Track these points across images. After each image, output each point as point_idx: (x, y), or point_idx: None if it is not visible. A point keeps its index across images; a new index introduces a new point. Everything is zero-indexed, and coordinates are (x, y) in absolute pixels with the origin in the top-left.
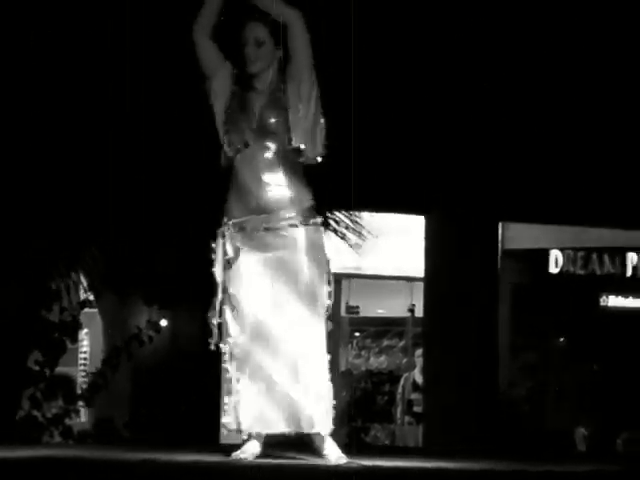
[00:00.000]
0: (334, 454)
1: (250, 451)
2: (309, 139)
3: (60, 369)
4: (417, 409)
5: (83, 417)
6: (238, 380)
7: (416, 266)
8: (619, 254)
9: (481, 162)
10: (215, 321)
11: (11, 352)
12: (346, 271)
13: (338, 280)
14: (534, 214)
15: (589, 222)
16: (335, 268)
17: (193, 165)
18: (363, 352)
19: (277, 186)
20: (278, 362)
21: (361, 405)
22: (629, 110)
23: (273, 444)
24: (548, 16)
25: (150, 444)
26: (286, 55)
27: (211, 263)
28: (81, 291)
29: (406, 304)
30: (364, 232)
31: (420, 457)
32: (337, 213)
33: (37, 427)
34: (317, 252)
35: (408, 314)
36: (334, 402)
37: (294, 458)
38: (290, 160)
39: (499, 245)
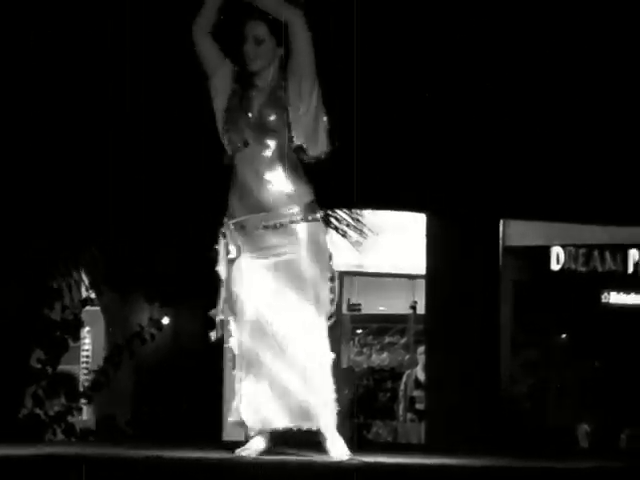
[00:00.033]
0: (337, 450)
1: (254, 448)
2: (310, 137)
3: (62, 367)
4: (419, 406)
5: (85, 415)
6: (240, 378)
7: (417, 263)
8: (620, 251)
9: (482, 159)
10: (218, 318)
11: (13, 350)
12: (348, 269)
13: (339, 278)
14: (535, 211)
15: (590, 219)
16: (337, 266)
17: (193, 164)
18: (365, 349)
19: (277, 184)
20: (279, 359)
21: (363, 402)
22: (630, 108)
23: (280, 441)
24: (548, 13)
25: (152, 441)
26: (287, 53)
27: (213, 261)
28: (83, 289)
29: (408, 301)
30: (365, 230)
31: (422, 454)
32: (338, 211)
33: (39, 425)
34: (318, 247)
35: (410, 311)
36: (336, 398)
37: (297, 455)
38: (290, 157)
39: (500, 242)
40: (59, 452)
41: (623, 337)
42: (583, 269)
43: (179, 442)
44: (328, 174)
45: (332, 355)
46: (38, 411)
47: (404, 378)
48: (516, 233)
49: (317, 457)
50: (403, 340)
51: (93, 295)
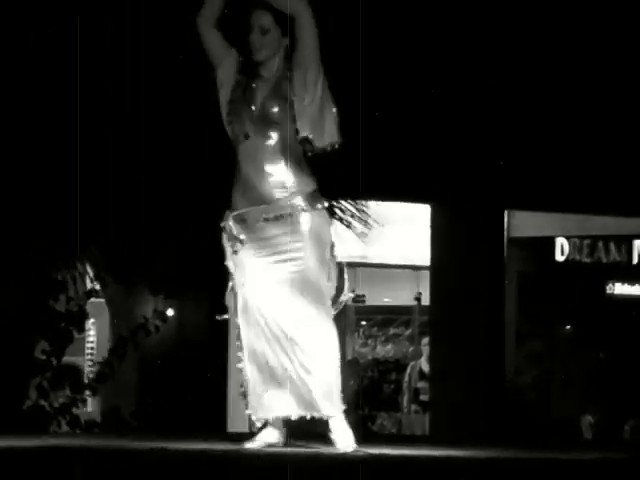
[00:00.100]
0: (342, 441)
1: (263, 439)
2: (316, 128)
3: (67, 359)
4: (424, 397)
5: (90, 407)
6: (245, 369)
7: (422, 254)
8: (625, 242)
9: (487, 151)
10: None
11: (18, 342)
12: (352, 260)
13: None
14: (540, 202)
15: (595, 210)
16: (341, 257)
17: (195, 157)
18: (369, 341)
19: (279, 175)
20: (282, 350)
21: (368, 394)
22: (633, 99)
23: (293, 433)
24: (552, 9)
25: (157, 433)
26: (293, 43)
27: (217, 254)
28: (87, 281)
29: (412, 292)
30: (370, 221)
31: (427, 445)
32: (343, 202)
33: (44, 416)
34: (320, 238)
35: (414, 302)
36: (342, 388)
37: (304, 447)
38: (293, 149)
39: (505, 233)
40: (64, 444)
41: (628, 328)
42: (588, 260)
43: (184, 434)
44: (333, 165)
45: (337, 343)
46: (43, 403)
47: (408, 369)
48: (521, 224)
49: (323, 449)
50: (408, 331)
51: (98, 287)
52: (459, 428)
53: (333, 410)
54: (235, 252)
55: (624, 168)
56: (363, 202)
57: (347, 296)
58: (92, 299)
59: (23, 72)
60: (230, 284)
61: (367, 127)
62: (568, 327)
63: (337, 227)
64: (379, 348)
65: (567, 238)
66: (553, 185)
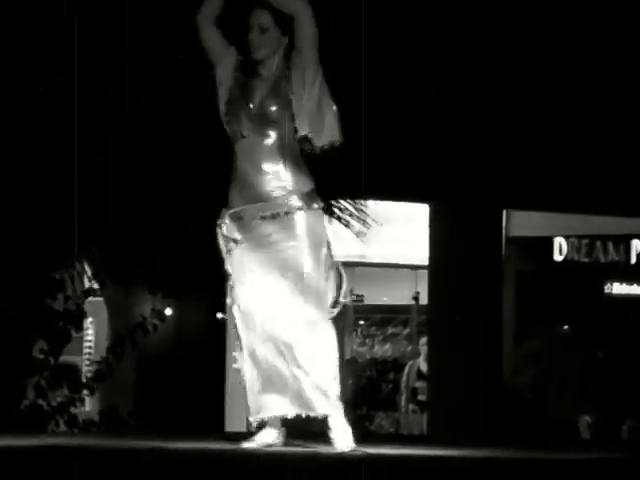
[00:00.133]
0: (341, 440)
1: (262, 440)
2: (315, 127)
3: (65, 358)
4: (422, 397)
5: (88, 406)
6: (243, 369)
7: (420, 254)
8: (623, 241)
9: (485, 150)
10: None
11: (16, 341)
12: (350, 259)
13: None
14: (538, 202)
15: (593, 209)
16: (339, 256)
17: (194, 156)
18: (368, 340)
19: (276, 174)
20: (278, 349)
21: (366, 393)
22: (633, 98)
23: (291, 433)
24: (551, 9)
25: (155, 432)
26: (292, 42)
27: (215, 253)
28: (85, 280)
29: (410, 292)
30: (368, 220)
31: (424, 445)
32: (342, 201)
33: (42, 416)
34: (316, 237)
35: (412, 302)
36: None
37: (302, 446)
38: (290, 148)
39: (503, 233)
40: (62, 443)
41: (626, 328)
42: (586, 260)
43: (182, 433)
44: (332, 164)
45: (335, 343)
46: (41, 402)
47: (406, 369)
48: (519, 224)
49: (321, 448)
50: (406, 331)
51: (96, 286)
52: (457, 428)
53: (330, 409)
54: (229, 252)
55: (622, 168)
56: (362, 201)
57: (347, 299)
58: (90, 298)
59: (22, 72)
60: (229, 283)
61: (366, 127)
62: (566, 327)
63: (336, 226)
64: (377, 347)
65: (565, 238)
66: (551, 185)
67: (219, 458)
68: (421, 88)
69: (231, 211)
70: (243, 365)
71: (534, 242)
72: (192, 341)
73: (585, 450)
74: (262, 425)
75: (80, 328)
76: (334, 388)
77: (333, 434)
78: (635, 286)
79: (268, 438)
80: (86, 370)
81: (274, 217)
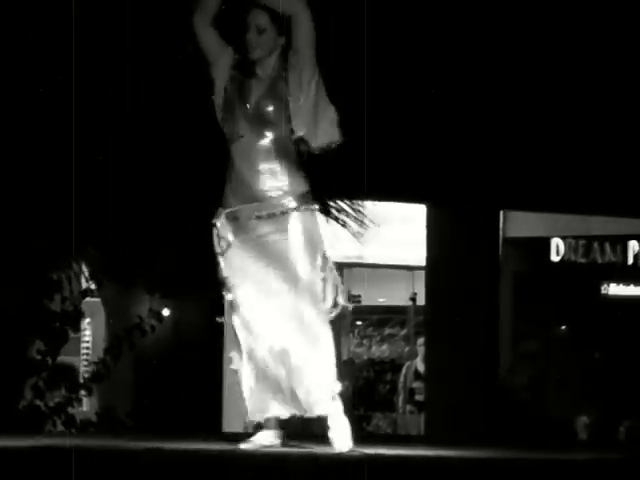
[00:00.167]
0: (339, 440)
1: (260, 441)
2: (311, 128)
3: (63, 358)
4: (419, 398)
5: (86, 406)
6: (241, 371)
7: (418, 255)
8: (620, 242)
9: (482, 151)
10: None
11: (13, 341)
12: (348, 260)
13: (340, 269)
14: (535, 202)
15: (590, 210)
16: (337, 257)
17: (195, 152)
18: (365, 341)
19: (271, 175)
20: (277, 350)
21: (363, 394)
22: (630, 99)
23: (289, 434)
24: (550, 9)
25: (153, 433)
26: (289, 43)
27: (213, 254)
28: (83, 281)
29: (407, 293)
30: (366, 221)
31: (422, 445)
32: (339, 201)
33: (39, 416)
34: (311, 238)
35: (410, 303)
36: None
37: (300, 447)
38: (286, 149)
39: (500, 233)
40: (59, 444)
41: (623, 329)
42: (583, 260)
43: (179, 434)
44: (329, 165)
45: (332, 342)
46: (38, 402)
47: (404, 370)
48: (516, 224)
49: (318, 449)
50: (403, 331)
51: (93, 286)
52: (454, 428)
53: (327, 409)
54: (223, 253)
55: (619, 169)
56: (359, 202)
57: (345, 301)
58: (88, 299)
59: (22, 72)
60: (225, 285)
61: (364, 127)
62: (563, 327)
63: (333, 227)
64: (374, 348)
65: (562, 238)
66: (549, 186)
67: (217, 459)
68: (419, 89)
69: (227, 211)
70: (241, 366)
71: (531, 243)
72: (190, 342)
73: (582, 450)
74: (260, 426)
75: (77, 329)
76: (332, 388)
77: (332, 434)
78: (632, 287)
79: (266, 439)
80: (83, 371)
81: (270, 217)
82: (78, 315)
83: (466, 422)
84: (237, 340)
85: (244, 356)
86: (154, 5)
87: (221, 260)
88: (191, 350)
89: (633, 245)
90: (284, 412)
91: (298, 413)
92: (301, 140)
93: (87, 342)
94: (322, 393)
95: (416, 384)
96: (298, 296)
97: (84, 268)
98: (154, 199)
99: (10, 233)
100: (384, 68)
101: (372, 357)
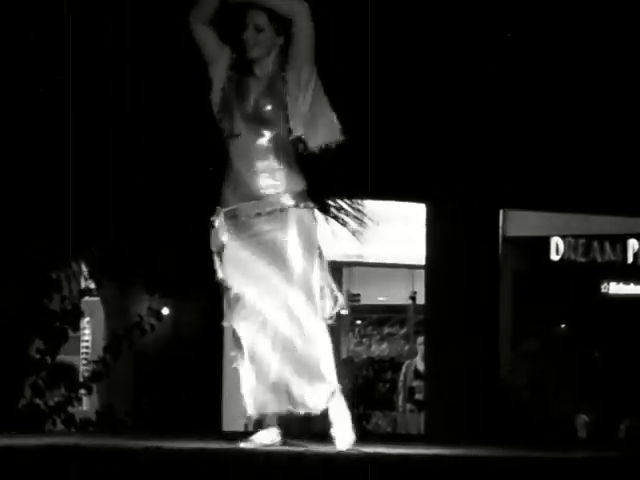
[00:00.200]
0: (340, 438)
1: (259, 440)
2: (309, 128)
3: (62, 357)
4: (419, 396)
5: (85, 405)
6: (242, 368)
7: (417, 253)
8: (620, 241)
9: (482, 150)
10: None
11: (13, 341)
12: (347, 259)
13: (339, 268)
14: (535, 201)
15: (590, 209)
16: (336, 256)
17: (195, 152)
18: (364, 340)
19: (270, 173)
20: (272, 345)
21: (363, 393)
22: (630, 97)
23: (289, 432)
24: (550, 8)
25: (152, 432)
26: (287, 42)
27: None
28: (82, 280)
29: (407, 291)
30: (365, 219)
31: (422, 444)
32: (339, 200)
33: (39, 415)
34: (307, 235)
35: (409, 301)
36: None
37: (301, 445)
38: (283, 147)
39: (500, 232)
40: (59, 443)
41: (623, 327)
42: (583, 259)
43: (179, 433)
44: (329, 164)
45: (327, 337)
46: (38, 401)
47: (403, 369)
48: (516, 223)
49: (319, 448)
50: (403, 330)
51: (92, 285)
52: (454, 427)
53: (324, 405)
54: (219, 252)
55: (619, 168)
56: (359, 201)
57: (342, 303)
58: (87, 298)
59: (21, 72)
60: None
61: (363, 127)
62: (563, 326)
63: (333, 226)
64: (374, 347)
65: (562, 237)
66: (548, 184)
67: (216, 458)
68: (419, 88)
69: (225, 209)
70: (245, 364)
71: (531, 242)
72: (189, 340)
73: (582, 449)
74: (260, 425)
75: (77, 328)
76: (331, 384)
77: (333, 431)
78: (632, 285)
79: (266, 438)
80: (83, 370)
81: (269, 215)
82: (77, 314)
83: (466, 421)
84: (237, 337)
85: (245, 354)
86: (152, 4)
87: (216, 259)
88: (191, 349)
89: (633, 244)
90: (283, 409)
91: (297, 410)
92: (299, 140)
93: (86, 341)
94: (321, 390)
95: (416, 383)
96: (293, 291)
97: (83, 267)
98: (153, 198)
99: (9, 233)
100: (383, 68)
101: (372, 356)
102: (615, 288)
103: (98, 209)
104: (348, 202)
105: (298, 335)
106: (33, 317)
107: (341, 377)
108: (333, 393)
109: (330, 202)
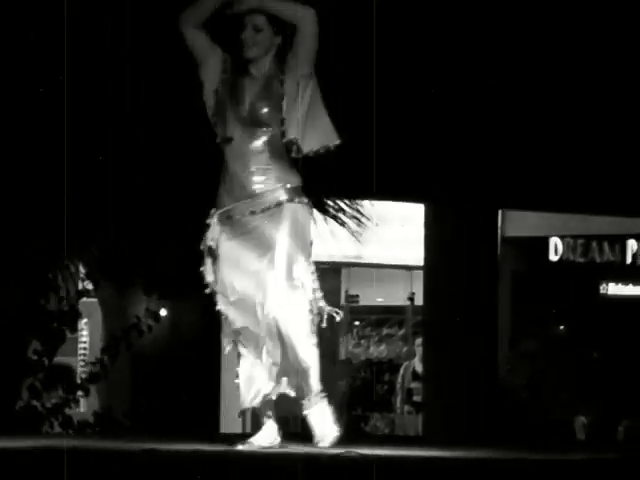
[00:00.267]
0: (319, 432)
1: (257, 442)
2: (303, 133)
3: (60, 359)
4: (417, 398)
5: (83, 407)
6: (242, 360)
7: (416, 254)
8: (619, 241)
9: (481, 150)
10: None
11: (10, 342)
12: (346, 259)
13: (338, 269)
14: (534, 201)
15: (589, 209)
16: (335, 256)
17: (195, 152)
18: (363, 341)
19: (265, 173)
20: (264, 335)
21: (361, 394)
22: (629, 97)
23: (286, 434)
24: (550, 8)
25: (150, 434)
26: (285, 43)
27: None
28: (79, 281)
29: (406, 292)
30: (364, 220)
31: (420, 446)
32: (338, 201)
33: (36, 417)
34: (301, 230)
35: (408, 303)
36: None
37: (298, 447)
38: (279, 148)
39: (499, 233)
40: (56, 444)
41: (621, 328)
42: (581, 260)
43: (177, 434)
44: (328, 164)
45: (308, 326)
46: (35, 403)
47: (401, 370)
48: (515, 224)
49: (316, 450)
50: (401, 332)
51: (90, 286)
52: (452, 429)
53: (304, 393)
54: (210, 254)
55: (618, 168)
56: (358, 201)
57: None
58: (85, 299)
59: (21, 72)
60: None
61: (362, 127)
62: (562, 327)
63: (332, 226)
64: (372, 348)
65: (561, 238)
66: (547, 185)
67: (214, 459)
68: (419, 89)
69: (220, 211)
70: (245, 356)
71: (530, 242)
72: (187, 342)
73: (581, 450)
74: (257, 426)
75: (74, 329)
76: (312, 375)
77: (316, 429)
78: (631, 286)
79: (264, 440)
80: (81, 371)
81: (264, 211)
82: (75, 315)
83: (464, 422)
84: (231, 332)
85: (242, 350)
86: (151, 5)
87: (207, 261)
88: (189, 350)
89: (632, 244)
90: (276, 392)
91: (287, 392)
92: (292, 143)
93: (84, 342)
94: (299, 372)
95: (414, 384)
96: (281, 281)
97: (81, 268)
98: (152, 199)
99: (8, 233)
100: (384, 68)
101: (370, 357)
102: (614, 289)
103: (97, 209)
104: (347, 203)
105: (283, 321)
106: (31, 318)
107: (338, 378)
108: (318, 393)
109: (329, 203)
